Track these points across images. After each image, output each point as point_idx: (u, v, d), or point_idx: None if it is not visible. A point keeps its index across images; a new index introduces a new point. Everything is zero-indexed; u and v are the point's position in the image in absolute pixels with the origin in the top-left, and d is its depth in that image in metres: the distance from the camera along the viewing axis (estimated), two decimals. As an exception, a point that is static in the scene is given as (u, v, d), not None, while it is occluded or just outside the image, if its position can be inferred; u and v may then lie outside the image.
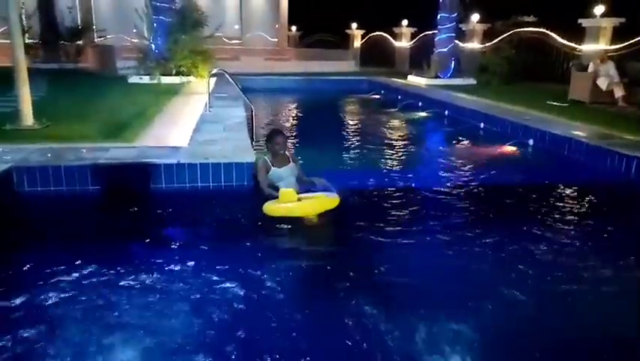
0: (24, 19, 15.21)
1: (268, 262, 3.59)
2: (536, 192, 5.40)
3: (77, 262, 3.37)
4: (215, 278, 3.27)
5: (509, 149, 7.49)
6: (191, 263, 3.48)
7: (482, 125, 9.20)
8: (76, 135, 6.11)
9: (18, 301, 2.94)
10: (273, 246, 3.98)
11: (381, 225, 4.24)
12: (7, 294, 3.00)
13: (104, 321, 2.79)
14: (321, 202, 4.44)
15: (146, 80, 12.77)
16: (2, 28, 16.82)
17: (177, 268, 3.41)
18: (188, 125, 7.10)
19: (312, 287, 3.36)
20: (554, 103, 10.42)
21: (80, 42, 18.39)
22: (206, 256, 3.62)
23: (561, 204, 5.00)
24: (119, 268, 3.33)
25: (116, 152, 5.30)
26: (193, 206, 4.68)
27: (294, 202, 4.33)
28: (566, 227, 4.37)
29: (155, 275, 3.29)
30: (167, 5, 13.19)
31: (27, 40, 14.40)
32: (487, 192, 5.45)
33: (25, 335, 2.62)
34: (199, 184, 4.97)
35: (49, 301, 2.95)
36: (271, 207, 4.35)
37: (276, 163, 4.69)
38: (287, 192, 4.35)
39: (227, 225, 4.28)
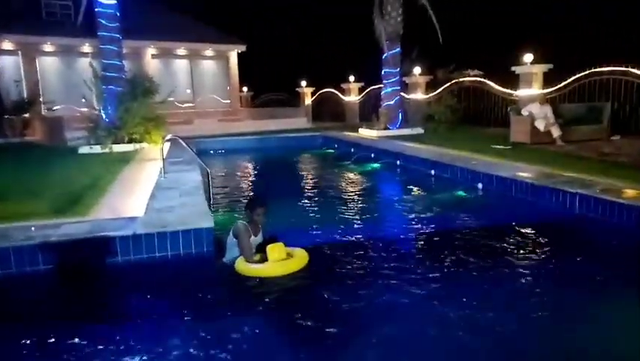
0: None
1: (241, 323, 3.53)
2: (488, 233, 5.60)
3: (32, 345, 3.20)
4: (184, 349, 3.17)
5: (460, 194, 7.78)
6: (155, 336, 3.36)
7: (433, 172, 9.55)
8: (24, 213, 5.89)
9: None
10: (245, 306, 3.92)
11: (345, 278, 4.29)
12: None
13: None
14: (298, 261, 4.48)
15: (97, 149, 12.59)
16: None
17: (141, 344, 3.29)
18: (144, 193, 6.99)
19: (289, 345, 3.30)
20: (498, 146, 10.98)
21: (26, 115, 18.06)
22: (169, 327, 3.50)
23: (512, 242, 5.19)
24: (78, 349, 3.18)
25: (68, 228, 5.13)
26: (153, 278, 4.55)
27: (276, 261, 4.39)
28: (522, 263, 4.55)
29: (118, 353, 3.16)
30: (116, 75, 13.27)
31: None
32: (442, 237, 5.61)
33: None
34: (157, 254, 4.86)
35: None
36: (245, 267, 4.43)
37: (251, 230, 4.70)
38: (276, 246, 4.44)
39: (191, 293, 4.16)
